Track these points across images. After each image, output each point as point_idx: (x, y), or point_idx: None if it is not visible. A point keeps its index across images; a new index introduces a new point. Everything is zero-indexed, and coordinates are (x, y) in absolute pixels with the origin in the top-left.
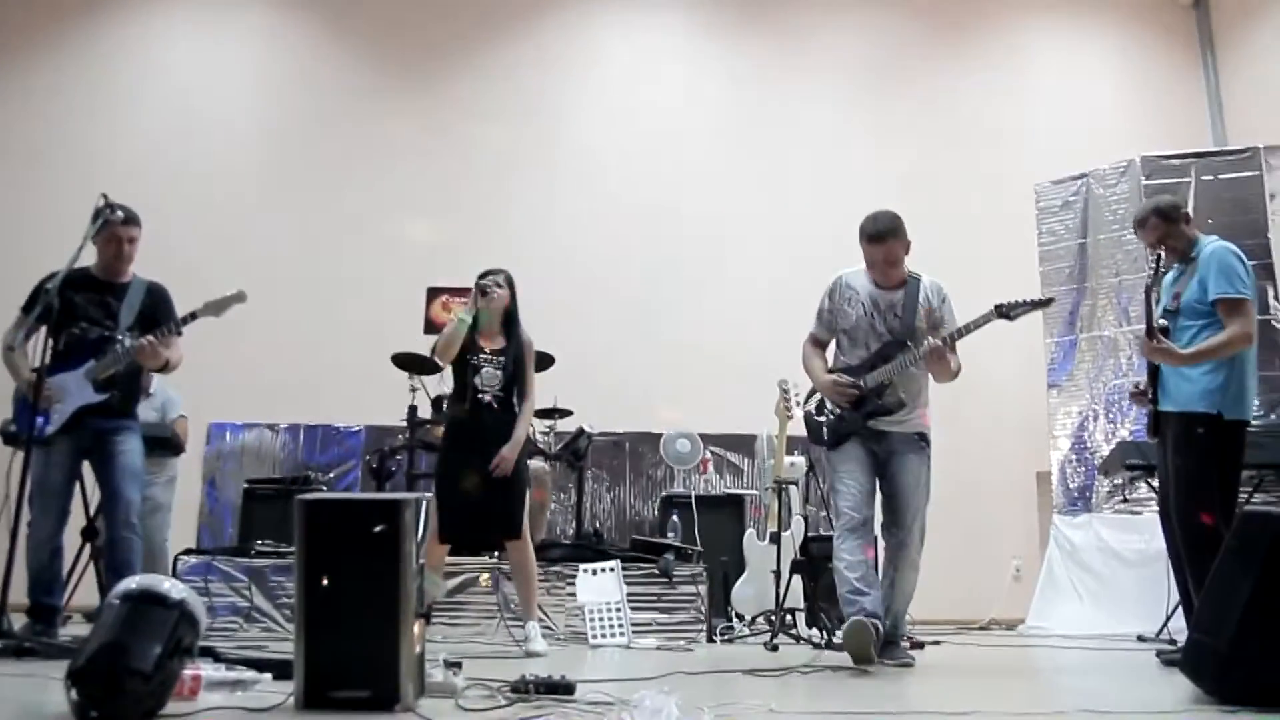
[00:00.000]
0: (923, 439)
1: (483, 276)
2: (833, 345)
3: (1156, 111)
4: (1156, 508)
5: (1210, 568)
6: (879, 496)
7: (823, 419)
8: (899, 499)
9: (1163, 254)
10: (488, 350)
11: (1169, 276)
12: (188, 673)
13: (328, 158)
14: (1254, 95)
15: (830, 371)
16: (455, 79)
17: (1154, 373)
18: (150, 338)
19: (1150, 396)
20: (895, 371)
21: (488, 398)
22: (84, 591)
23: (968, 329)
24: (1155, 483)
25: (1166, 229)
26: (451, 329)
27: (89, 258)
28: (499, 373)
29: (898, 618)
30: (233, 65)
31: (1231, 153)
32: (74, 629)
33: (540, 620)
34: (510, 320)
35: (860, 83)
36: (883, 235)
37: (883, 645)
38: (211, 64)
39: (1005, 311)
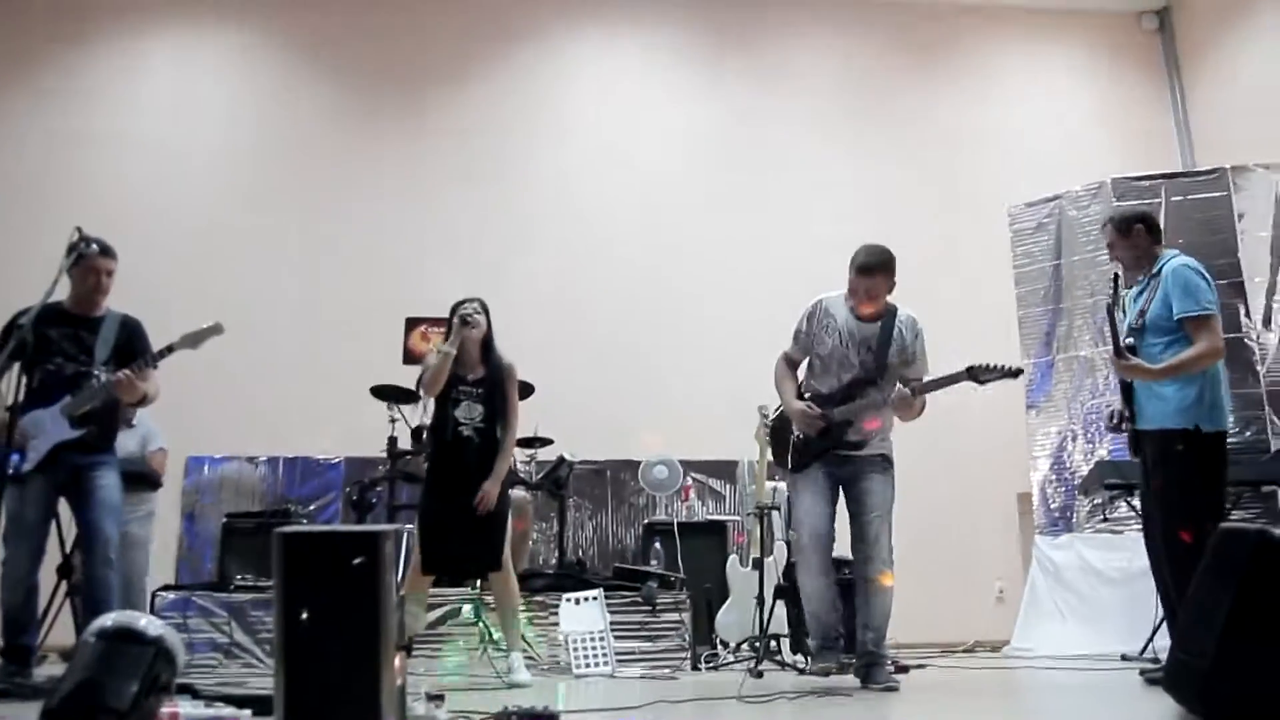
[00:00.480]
0: (885, 460)
1: (459, 305)
2: (803, 364)
3: (1126, 133)
4: (1137, 527)
5: None
6: (844, 517)
7: (790, 439)
8: (864, 516)
9: (1119, 271)
10: (469, 380)
11: (1133, 291)
12: (165, 710)
13: (304, 189)
14: (1219, 117)
15: (800, 396)
16: (433, 109)
17: (1127, 392)
18: (128, 371)
19: (1127, 415)
20: (862, 410)
21: (468, 431)
22: (59, 631)
23: (936, 385)
24: (1136, 502)
25: (1116, 239)
26: (437, 362)
27: (61, 293)
28: (480, 406)
29: (879, 634)
30: (208, 98)
31: (1200, 173)
32: (50, 669)
33: (523, 651)
34: (488, 348)
35: (835, 108)
36: (871, 269)
37: (867, 667)
38: (187, 96)
39: (976, 374)
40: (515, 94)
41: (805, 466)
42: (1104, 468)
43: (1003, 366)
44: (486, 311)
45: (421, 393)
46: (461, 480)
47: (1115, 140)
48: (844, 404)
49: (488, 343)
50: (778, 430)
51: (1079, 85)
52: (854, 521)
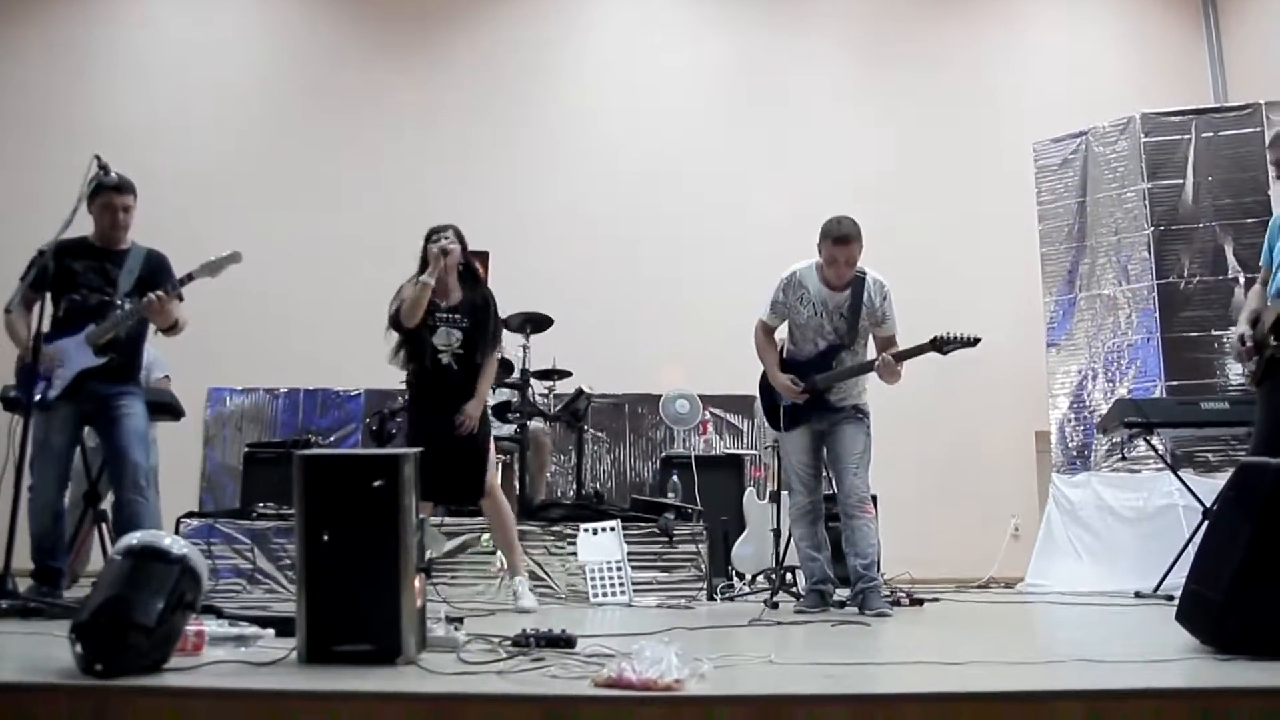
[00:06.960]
0: (859, 410)
1: (432, 234)
2: (782, 328)
3: (1157, 68)
4: (1155, 466)
5: None
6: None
7: (779, 404)
8: (842, 463)
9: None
10: (444, 307)
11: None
12: (191, 628)
13: (325, 121)
14: (1256, 50)
15: (782, 363)
16: (454, 42)
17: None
18: (159, 293)
19: (1276, 341)
20: (840, 377)
21: (446, 358)
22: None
23: (906, 355)
24: (1155, 440)
25: None
26: (415, 293)
27: (85, 225)
28: (457, 331)
29: (867, 559)
30: (229, 29)
31: (1232, 109)
32: (79, 591)
33: (537, 579)
34: (466, 275)
35: (857, 41)
36: (848, 238)
37: (861, 594)
38: (208, 27)
39: (939, 345)
40: (538, 27)
41: (793, 427)
42: (1124, 405)
43: (964, 336)
44: (461, 238)
45: (403, 323)
46: (443, 408)
47: (1144, 75)
48: (821, 371)
49: (466, 269)
50: (765, 393)
51: (1108, 17)
52: (833, 467)
